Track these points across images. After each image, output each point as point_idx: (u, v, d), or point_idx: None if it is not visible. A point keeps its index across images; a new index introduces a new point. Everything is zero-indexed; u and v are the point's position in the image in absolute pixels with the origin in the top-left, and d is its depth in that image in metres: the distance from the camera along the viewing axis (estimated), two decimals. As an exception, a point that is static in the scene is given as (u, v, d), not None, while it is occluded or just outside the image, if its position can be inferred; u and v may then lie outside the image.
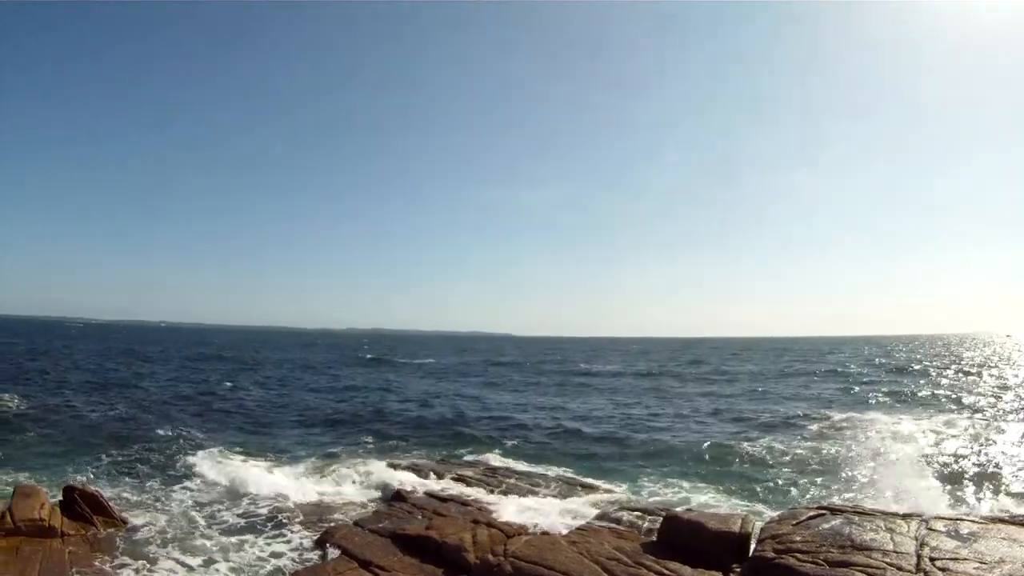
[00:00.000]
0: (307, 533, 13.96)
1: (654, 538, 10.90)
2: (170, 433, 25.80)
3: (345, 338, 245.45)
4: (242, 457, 21.68)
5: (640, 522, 12.01)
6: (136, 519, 14.96)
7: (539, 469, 19.69)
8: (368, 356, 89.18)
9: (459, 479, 18.04)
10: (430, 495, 16.15)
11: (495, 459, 21.30)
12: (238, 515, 15.43)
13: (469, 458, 21.54)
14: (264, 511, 15.70)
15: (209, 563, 12.41)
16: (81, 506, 14.55)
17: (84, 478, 17.92)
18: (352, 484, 17.87)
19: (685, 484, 18.18)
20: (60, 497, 14.93)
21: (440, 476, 18.29)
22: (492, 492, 16.80)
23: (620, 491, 17.10)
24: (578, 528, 12.00)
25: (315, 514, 15.27)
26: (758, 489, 17.74)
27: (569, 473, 19.13)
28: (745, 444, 23.56)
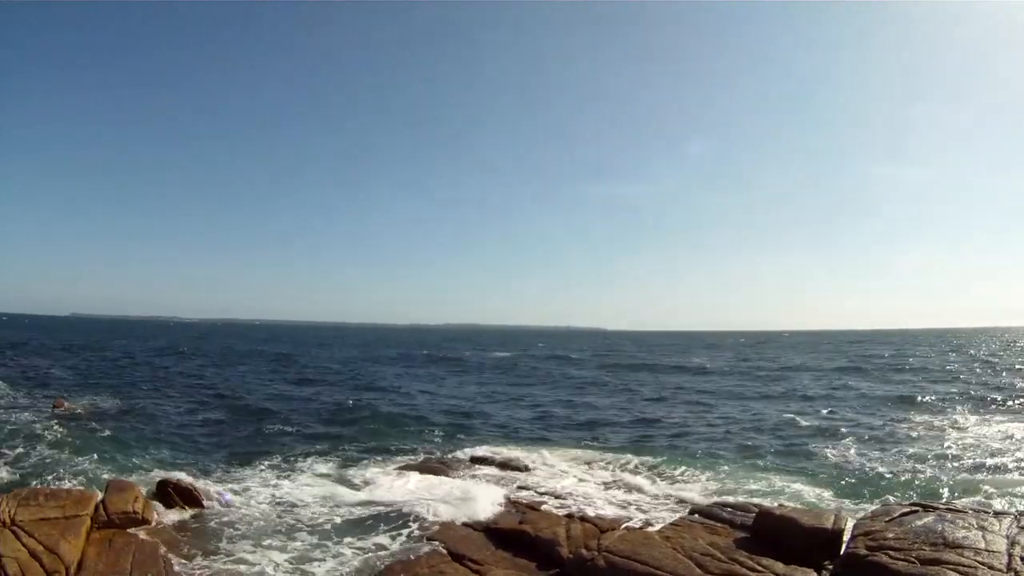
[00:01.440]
0: (401, 528, 14.05)
1: (747, 533, 10.94)
2: (267, 429, 26.74)
3: (436, 334, 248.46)
4: (335, 454, 22.25)
5: (733, 517, 12.00)
6: (231, 512, 15.26)
7: (633, 462, 19.73)
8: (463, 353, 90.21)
9: (554, 472, 18.32)
10: (524, 488, 16.42)
11: (586, 453, 21.43)
12: (332, 510, 15.60)
13: (560, 451, 21.77)
14: (358, 506, 15.91)
15: (302, 557, 12.59)
16: (175, 499, 15.20)
17: (180, 473, 18.30)
18: (450, 478, 17.98)
19: (775, 478, 18.01)
20: (155, 490, 15.56)
21: (538, 468, 18.64)
22: (586, 485, 16.95)
23: (713, 485, 17.06)
24: (672, 523, 12.05)
25: (410, 507, 15.31)
26: (848, 483, 17.47)
27: (662, 467, 19.16)
28: (838, 438, 23.27)
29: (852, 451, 21.32)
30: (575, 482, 17.41)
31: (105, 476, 17.81)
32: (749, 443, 23.18)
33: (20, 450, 21.71)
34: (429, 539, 12.60)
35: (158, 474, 17.81)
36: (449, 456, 21.60)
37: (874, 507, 11.40)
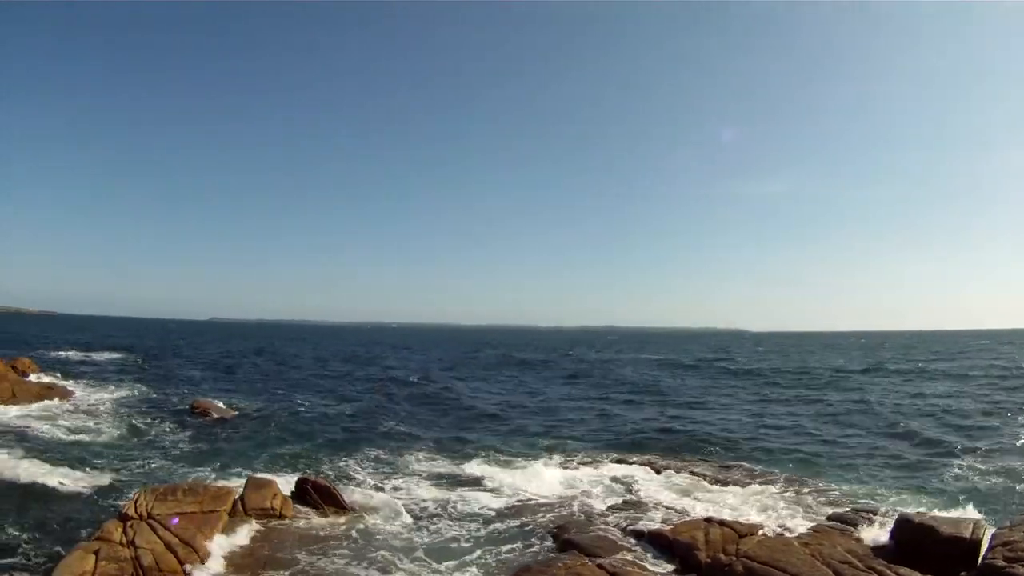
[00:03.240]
0: (539, 528, 14.00)
1: (885, 540, 10.95)
2: (403, 430, 27.40)
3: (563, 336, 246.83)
4: (468, 453, 22.60)
5: (871, 523, 11.97)
6: (368, 510, 15.30)
7: (770, 468, 19.53)
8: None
9: (693, 475, 18.29)
10: (665, 489, 16.55)
11: (721, 458, 21.31)
12: (469, 509, 15.65)
13: (695, 456, 21.61)
14: (494, 505, 15.96)
15: (439, 555, 12.58)
16: (312, 496, 15.30)
17: (319, 472, 18.56)
18: (585, 480, 18.15)
19: (911, 485, 17.62)
20: (294, 488, 15.73)
21: (674, 472, 18.65)
22: (724, 489, 16.83)
23: (848, 491, 16.78)
24: (811, 529, 12.12)
25: (546, 509, 15.38)
26: (983, 492, 16.84)
27: (798, 473, 18.90)
28: (984, 446, 22.25)
29: (1000, 460, 20.25)
30: (718, 485, 17.36)
31: (244, 473, 18.33)
32: (892, 448, 22.69)
33: (160, 448, 22.49)
34: (566, 540, 12.58)
35: (297, 472, 18.29)
36: (588, 456, 21.77)
37: (1016, 517, 11.03)
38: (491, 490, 17.47)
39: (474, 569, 11.95)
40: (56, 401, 32.02)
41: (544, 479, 18.25)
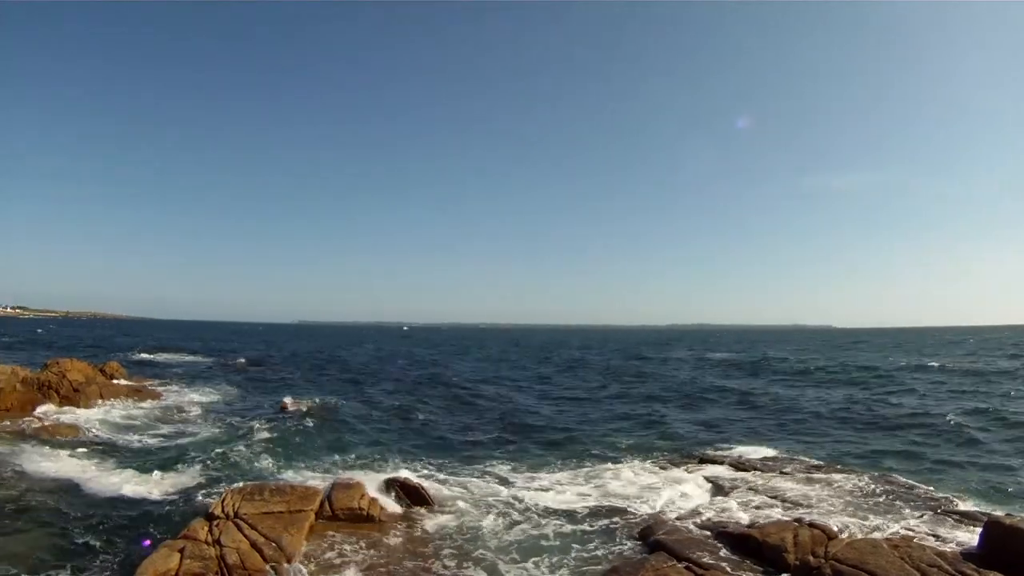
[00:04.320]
0: (626, 528, 14.10)
1: (975, 544, 10.87)
2: (486, 428, 27.71)
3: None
4: (551, 453, 22.73)
5: (960, 526, 11.92)
6: (455, 510, 15.40)
7: (860, 468, 19.22)
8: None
9: (783, 475, 18.13)
10: (753, 490, 16.41)
11: (811, 458, 20.97)
12: (554, 509, 15.75)
13: (785, 456, 21.39)
14: (580, 505, 16.07)
15: (528, 553, 12.76)
16: (400, 495, 15.43)
17: (407, 472, 18.35)
18: (672, 480, 18.11)
19: (1001, 488, 17.22)
20: (382, 488, 15.74)
21: (762, 472, 18.50)
22: (814, 489, 16.63)
23: (939, 493, 16.41)
24: (899, 531, 12.13)
25: (634, 509, 15.48)
26: None
27: (890, 474, 18.50)
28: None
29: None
30: (805, 486, 17.09)
31: (331, 474, 18.55)
32: (984, 448, 22.05)
33: (248, 448, 22.39)
34: (654, 540, 12.63)
35: (384, 472, 18.29)
36: (677, 454, 21.85)
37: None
38: (576, 490, 17.58)
39: (564, 570, 12.18)
40: (145, 403, 32.92)
41: (630, 479, 18.29)
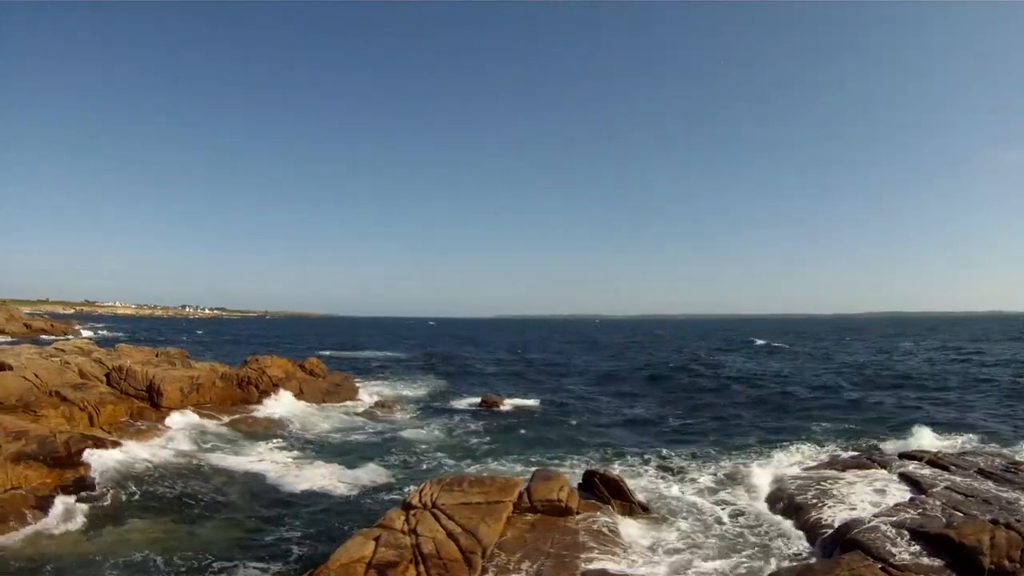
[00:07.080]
0: (820, 527, 14.00)
1: None
2: (687, 425, 27.51)
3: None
4: (747, 451, 22.39)
5: None
6: (655, 508, 15.50)
7: None
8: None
9: (981, 473, 17.38)
10: (952, 489, 15.69)
11: (1013, 453, 19.90)
12: (750, 509, 15.87)
13: (990, 449, 20.51)
14: (774, 500, 16.32)
15: (727, 552, 12.91)
16: (600, 490, 15.25)
17: (605, 464, 18.63)
18: (869, 476, 17.74)
19: None
20: (582, 481, 15.83)
21: (960, 468, 17.87)
22: (1010, 488, 15.86)
23: None
24: None
25: (828, 506, 15.29)
26: None
27: None
28: None
29: None
30: (1002, 486, 16.31)
31: (530, 466, 18.66)
32: None
33: (449, 441, 23.20)
34: (849, 539, 12.46)
35: (583, 464, 18.46)
36: (871, 451, 21.31)
37: None
38: (772, 486, 17.75)
39: (759, 563, 12.60)
40: (344, 399, 33.43)
41: (831, 473, 18.16)
